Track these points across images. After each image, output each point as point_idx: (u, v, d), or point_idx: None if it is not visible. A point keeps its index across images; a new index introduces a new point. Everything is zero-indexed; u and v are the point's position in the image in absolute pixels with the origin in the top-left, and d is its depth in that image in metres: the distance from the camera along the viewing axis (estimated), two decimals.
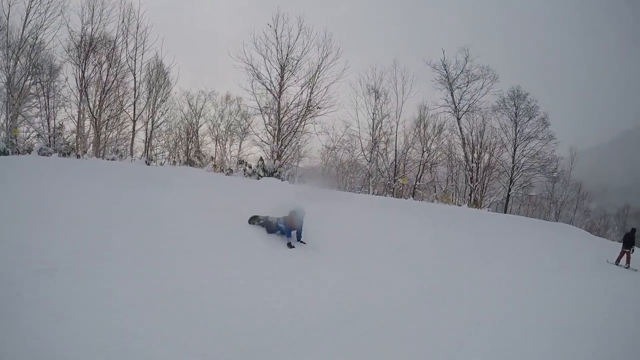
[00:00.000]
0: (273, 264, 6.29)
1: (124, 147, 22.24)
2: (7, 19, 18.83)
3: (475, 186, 24.78)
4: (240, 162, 23.42)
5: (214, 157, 25.71)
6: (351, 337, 4.44)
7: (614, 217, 38.11)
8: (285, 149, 22.69)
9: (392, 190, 23.83)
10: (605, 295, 8.27)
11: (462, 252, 9.52)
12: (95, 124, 20.71)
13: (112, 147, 22.10)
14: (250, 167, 21.06)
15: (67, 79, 20.39)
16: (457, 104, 25.12)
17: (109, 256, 5.03)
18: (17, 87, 19.30)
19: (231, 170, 21.30)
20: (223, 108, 26.45)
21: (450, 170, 25.90)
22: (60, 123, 21.14)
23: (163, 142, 25.19)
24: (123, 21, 20.81)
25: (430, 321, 5.25)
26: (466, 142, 25.21)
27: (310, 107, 22.66)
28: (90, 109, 20.67)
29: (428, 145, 25.15)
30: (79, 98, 20.36)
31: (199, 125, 26.21)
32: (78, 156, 18.53)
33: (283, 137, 22.51)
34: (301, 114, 22.72)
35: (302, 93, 22.65)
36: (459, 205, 21.41)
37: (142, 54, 21.25)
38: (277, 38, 21.97)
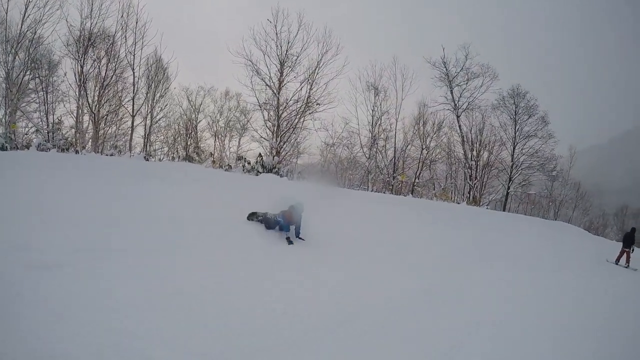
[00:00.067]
0: (273, 263, 6.30)
1: (122, 143, 22.13)
2: (6, 13, 18.65)
3: (475, 184, 24.80)
4: (239, 158, 23.43)
5: (213, 153, 25.67)
6: (351, 337, 4.44)
7: (612, 217, 38.19)
8: (285, 145, 22.66)
9: (391, 188, 23.83)
10: (605, 295, 8.29)
11: (462, 250, 9.54)
12: (94, 119, 20.59)
13: (111, 142, 22.00)
14: (249, 163, 21.09)
15: (65, 74, 20.26)
16: (456, 102, 25.11)
17: (109, 256, 5.01)
18: (16, 82, 19.15)
19: (230, 166, 21.29)
20: (222, 104, 26.39)
21: (449, 168, 25.93)
22: (59, 118, 21.08)
23: (162, 137, 25.12)
24: (122, 16, 20.62)
25: (430, 321, 5.25)
26: (465, 139, 25.21)
27: (310, 104, 22.61)
28: (89, 104, 20.53)
29: (427, 143, 25.13)
30: (77, 93, 20.21)
31: (198, 121, 26.16)
32: (77, 152, 18.48)
33: (282, 133, 22.48)
34: (300, 110, 22.69)
35: (301, 89, 22.64)
36: (458, 203, 21.44)
37: (141, 49, 21.06)
38: (276, 34, 21.94)
